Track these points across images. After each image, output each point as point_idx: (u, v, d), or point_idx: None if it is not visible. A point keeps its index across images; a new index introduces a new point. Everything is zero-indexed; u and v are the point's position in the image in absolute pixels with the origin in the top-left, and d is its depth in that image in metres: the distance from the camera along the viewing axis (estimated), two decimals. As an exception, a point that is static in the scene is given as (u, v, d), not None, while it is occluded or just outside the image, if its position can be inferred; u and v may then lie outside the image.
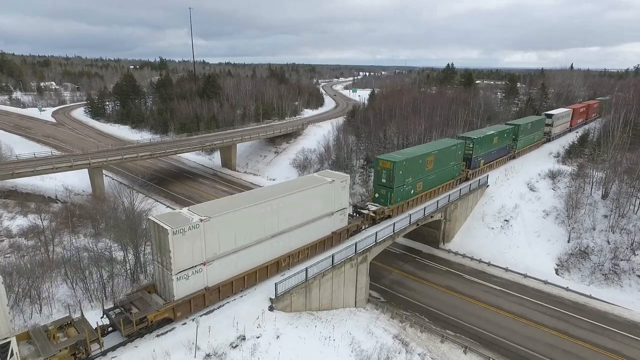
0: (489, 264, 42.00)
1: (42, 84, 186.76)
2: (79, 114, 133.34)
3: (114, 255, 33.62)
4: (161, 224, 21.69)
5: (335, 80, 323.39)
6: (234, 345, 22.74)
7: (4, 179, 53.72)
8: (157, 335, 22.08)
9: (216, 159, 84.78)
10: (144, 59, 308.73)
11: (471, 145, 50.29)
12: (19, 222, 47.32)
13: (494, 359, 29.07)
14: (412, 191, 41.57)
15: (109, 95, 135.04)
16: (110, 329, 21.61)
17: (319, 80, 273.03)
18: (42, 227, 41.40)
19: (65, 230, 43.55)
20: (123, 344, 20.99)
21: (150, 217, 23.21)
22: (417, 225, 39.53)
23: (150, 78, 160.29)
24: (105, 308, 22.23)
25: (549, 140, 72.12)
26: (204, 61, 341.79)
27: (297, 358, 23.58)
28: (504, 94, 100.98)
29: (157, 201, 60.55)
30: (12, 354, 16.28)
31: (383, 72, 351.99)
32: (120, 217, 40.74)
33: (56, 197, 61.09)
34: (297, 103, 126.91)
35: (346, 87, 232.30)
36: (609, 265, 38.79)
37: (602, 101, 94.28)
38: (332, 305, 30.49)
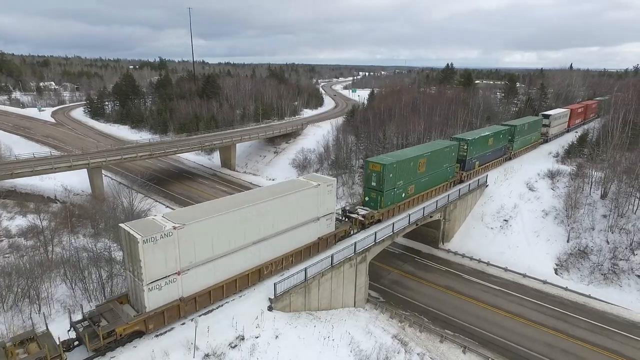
0: (488, 263, 42.02)
1: (41, 84, 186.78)
2: (79, 114, 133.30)
3: (113, 256, 33.54)
4: (131, 232, 20.71)
5: (334, 80, 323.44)
6: (233, 345, 22.75)
7: (3, 179, 53.70)
8: (156, 335, 22.07)
9: (215, 159, 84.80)
10: (144, 59, 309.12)
11: (465, 147, 49.10)
12: (18, 222, 47.29)
13: (493, 358, 29.09)
14: (404, 194, 40.40)
15: (108, 95, 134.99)
16: (76, 343, 20.57)
17: (319, 80, 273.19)
18: (41, 227, 41.37)
19: (65, 231, 43.50)
20: (90, 359, 20.06)
21: (121, 225, 22.01)
22: (417, 225, 39.50)
23: (150, 78, 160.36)
24: (73, 320, 21.10)
25: (546, 141, 71.37)
26: (203, 61, 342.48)
27: (296, 358, 23.60)
28: (503, 94, 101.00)
29: (157, 201, 60.58)
30: None
31: (382, 72, 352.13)
32: (120, 217, 40.75)
33: (55, 197, 61.07)
34: (296, 103, 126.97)
35: (346, 87, 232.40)
36: (608, 265, 38.82)
37: (600, 101, 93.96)
38: (331, 305, 30.50)
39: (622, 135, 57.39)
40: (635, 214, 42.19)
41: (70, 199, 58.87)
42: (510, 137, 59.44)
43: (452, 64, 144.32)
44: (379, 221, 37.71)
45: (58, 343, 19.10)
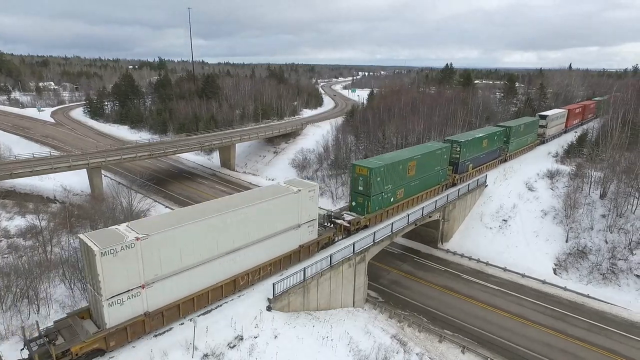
0: (487, 263, 42.05)
1: (40, 84, 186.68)
2: (78, 114, 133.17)
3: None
4: (89, 243, 19.28)
5: (334, 80, 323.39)
6: (231, 345, 22.77)
7: (2, 179, 53.69)
8: (155, 336, 22.08)
9: (215, 159, 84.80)
10: (143, 59, 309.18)
11: (458, 149, 47.40)
12: (17, 223, 47.27)
13: (492, 358, 29.11)
14: (392, 199, 39.02)
15: (107, 96, 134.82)
16: None
17: (318, 80, 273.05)
18: (40, 227, 41.38)
19: (64, 231, 43.44)
20: None
21: (80, 235, 20.61)
22: (415, 225, 39.50)
23: (149, 78, 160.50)
24: (28, 337, 19.75)
25: (543, 142, 70.09)
26: (203, 61, 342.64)
27: (295, 358, 23.62)
28: (502, 94, 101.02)
29: (156, 201, 60.60)
30: None
31: (382, 72, 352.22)
32: (119, 217, 40.73)
33: (55, 197, 61.04)
34: (296, 103, 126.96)
35: (345, 87, 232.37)
36: (606, 265, 38.87)
37: (599, 101, 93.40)
38: (330, 305, 30.50)
39: (622, 135, 57.44)
40: (634, 213, 42.25)
41: (70, 199, 58.85)
42: (505, 139, 57.91)
43: (451, 64, 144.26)
44: (365, 227, 36.34)
45: None
